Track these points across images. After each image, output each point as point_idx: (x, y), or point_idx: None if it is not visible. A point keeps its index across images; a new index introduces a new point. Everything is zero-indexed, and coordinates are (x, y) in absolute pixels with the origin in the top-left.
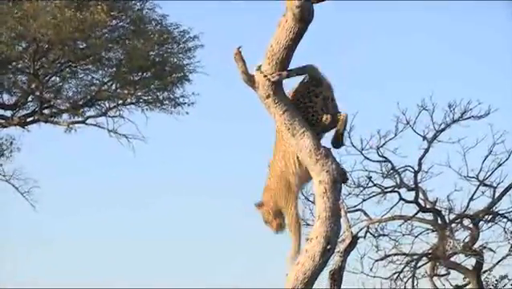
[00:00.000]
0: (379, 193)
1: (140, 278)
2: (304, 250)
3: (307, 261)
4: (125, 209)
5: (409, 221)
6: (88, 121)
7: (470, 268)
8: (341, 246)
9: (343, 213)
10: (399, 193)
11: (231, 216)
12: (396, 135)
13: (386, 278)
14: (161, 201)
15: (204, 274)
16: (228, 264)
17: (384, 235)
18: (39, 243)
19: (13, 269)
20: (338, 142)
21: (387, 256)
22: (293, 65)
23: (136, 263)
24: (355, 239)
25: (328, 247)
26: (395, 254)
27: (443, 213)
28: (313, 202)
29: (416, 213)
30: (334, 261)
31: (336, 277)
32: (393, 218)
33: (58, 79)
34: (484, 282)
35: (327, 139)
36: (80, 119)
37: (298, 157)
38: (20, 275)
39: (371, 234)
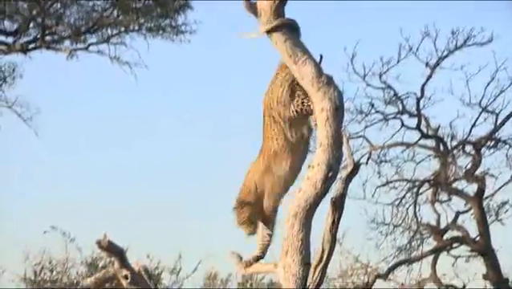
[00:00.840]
0: (382, 120)
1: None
2: (306, 177)
3: (309, 188)
4: (126, 138)
5: (411, 148)
6: (90, 48)
7: (472, 194)
8: (343, 173)
9: (345, 140)
10: (401, 120)
11: (232, 145)
12: (398, 62)
13: (388, 204)
14: (161, 129)
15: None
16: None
17: (386, 161)
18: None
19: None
20: None
21: (389, 182)
22: None
23: (135, 192)
24: (357, 166)
25: (330, 174)
26: (397, 180)
27: (445, 139)
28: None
29: (419, 140)
30: (335, 188)
31: (338, 204)
32: (395, 145)
33: (59, 5)
34: (485, 208)
35: None
36: (82, 46)
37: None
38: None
39: (373, 160)
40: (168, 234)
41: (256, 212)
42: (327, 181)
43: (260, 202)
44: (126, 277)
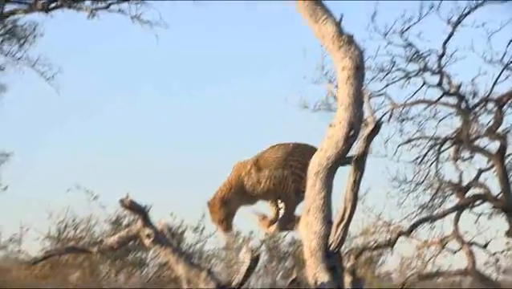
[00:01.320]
0: (403, 78)
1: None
2: (327, 136)
3: (331, 147)
4: (149, 97)
5: (433, 106)
6: (111, 7)
7: (494, 152)
8: (364, 132)
9: (366, 98)
10: (423, 78)
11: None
12: (420, 19)
13: (410, 162)
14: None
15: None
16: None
17: (407, 119)
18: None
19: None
20: None
21: (410, 140)
22: None
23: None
24: (378, 125)
25: (351, 133)
26: (418, 138)
27: (467, 97)
28: (336, 86)
29: (440, 98)
30: (357, 146)
31: (359, 163)
32: (417, 103)
33: None
34: (507, 165)
35: None
36: (103, 5)
37: None
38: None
39: (394, 118)
40: (191, 193)
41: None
42: (349, 140)
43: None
44: (149, 236)
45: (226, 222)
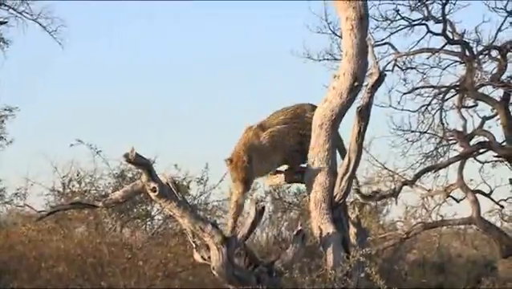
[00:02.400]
0: (407, 26)
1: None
2: (331, 87)
3: (335, 98)
4: (151, 48)
5: (437, 54)
6: None
7: (498, 99)
8: (368, 82)
9: (370, 48)
10: (426, 26)
11: None
12: None
13: (414, 111)
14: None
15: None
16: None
17: (411, 68)
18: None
19: None
20: None
21: (415, 89)
22: None
23: None
24: (382, 75)
25: (355, 84)
26: (423, 87)
27: (471, 44)
28: (340, 37)
29: (444, 46)
30: (361, 97)
31: (364, 114)
32: (421, 51)
33: None
34: None
35: None
36: None
37: None
38: None
39: (398, 67)
40: (195, 144)
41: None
42: (353, 91)
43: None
44: (154, 190)
45: (247, 184)
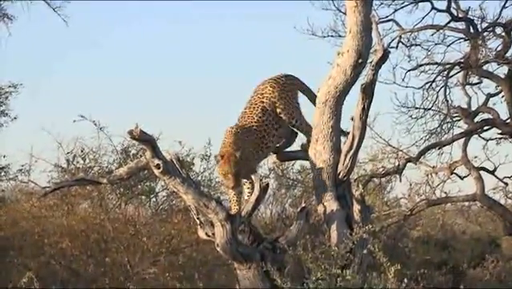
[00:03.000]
0: (412, 3)
1: None
2: (336, 64)
3: (339, 75)
4: (158, 26)
5: (441, 31)
6: None
7: (503, 76)
8: (373, 59)
9: (374, 25)
10: (431, 2)
11: None
12: None
13: (418, 88)
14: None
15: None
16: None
17: (416, 45)
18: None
19: None
20: None
21: (419, 66)
22: None
23: None
24: (386, 52)
25: (360, 61)
26: (427, 64)
27: (475, 21)
28: (344, 14)
29: (449, 23)
30: (365, 74)
31: (368, 91)
32: (425, 28)
33: None
34: None
35: None
36: None
37: None
38: None
39: (403, 44)
40: (198, 120)
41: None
42: (357, 68)
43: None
44: (158, 166)
45: (236, 179)
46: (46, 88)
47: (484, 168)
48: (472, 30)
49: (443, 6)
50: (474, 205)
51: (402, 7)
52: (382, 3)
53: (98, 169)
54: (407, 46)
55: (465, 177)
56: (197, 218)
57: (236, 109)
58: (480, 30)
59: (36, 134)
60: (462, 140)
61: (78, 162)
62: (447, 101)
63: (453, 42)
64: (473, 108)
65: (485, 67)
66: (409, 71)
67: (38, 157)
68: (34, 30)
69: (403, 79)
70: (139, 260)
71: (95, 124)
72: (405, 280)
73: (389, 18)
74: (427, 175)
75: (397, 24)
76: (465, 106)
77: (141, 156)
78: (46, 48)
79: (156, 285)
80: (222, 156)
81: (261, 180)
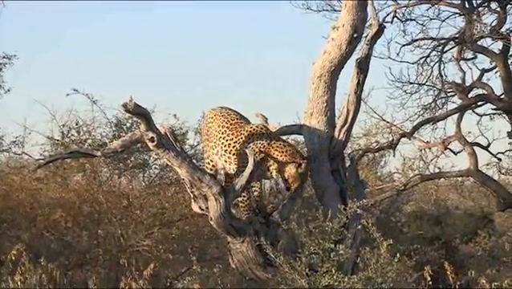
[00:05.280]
0: None
1: None
2: (331, 38)
3: (334, 49)
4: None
5: (436, 5)
6: None
7: (497, 52)
8: (368, 33)
9: (369, 0)
10: None
11: None
12: None
13: (413, 63)
14: None
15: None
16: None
17: (411, 20)
18: None
19: None
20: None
21: (414, 41)
22: None
23: None
24: (382, 27)
25: (355, 35)
26: (422, 39)
27: None
28: None
29: None
30: (360, 48)
31: (363, 65)
32: (420, 2)
33: None
34: (510, 66)
35: None
36: None
37: None
38: None
39: (398, 18)
40: (193, 94)
41: None
42: (352, 43)
43: None
44: (152, 140)
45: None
46: (41, 60)
47: (478, 144)
48: (467, 5)
49: None
50: (468, 180)
51: None
52: None
53: (91, 142)
54: (402, 21)
55: (458, 152)
56: (191, 192)
57: (230, 82)
58: (475, 5)
59: (30, 106)
60: (456, 115)
61: (72, 135)
62: (441, 76)
63: (448, 17)
64: (468, 84)
65: (479, 42)
66: (404, 45)
67: (31, 129)
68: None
69: (397, 54)
70: (132, 233)
71: (89, 98)
72: (397, 255)
73: None
74: (420, 150)
75: None
76: (459, 81)
77: (135, 129)
78: (43, 20)
79: (149, 257)
80: (307, 160)
81: (255, 154)
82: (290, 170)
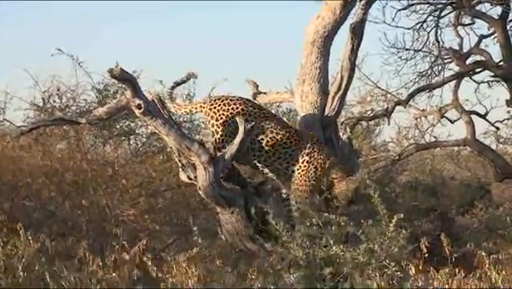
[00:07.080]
0: None
1: None
2: (324, 2)
3: (328, 14)
4: None
5: None
6: None
7: (496, 17)
8: None
9: None
10: None
11: None
12: None
13: (408, 29)
14: None
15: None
16: None
17: None
18: None
19: None
20: None
21: (410, 5)
22: None
23: None
24: None
25: None
26: (418, 3)
27: None
28: None
29: None
30: (355, 13)
31: (357, 30)
32: None
33: None
34: (509, 32)
35: None
36: None
37: None
38: None
39: None
40: (181, 58)
41: None
42: (346, 6)
43: None
44: (139, 107)
45: None
46: (23, 20)
47: (475, 112)
48: None
49: None
50: (464, 149)
51: None
52: None
53: (75, 109)
54: None
55: (455, 120)
56: (179, 161)
57: (221, 47)
58: None
59: (12, 70)
60: (453, 82)
61: (54, 101)
62: (438, 42)
63: None
64: (465, 50)
65: (477, 8)
66: (400, 10)
67: (13, 95)
68: None
69: (393, 19)
70: (117, 202)
71: (73, 59)
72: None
73: None
74: (416, 118)
75: None
76: (456, 47)
77: (121, 95)
78: None
79: (135, 227)
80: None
81: (245, 122)
82: (343, 186)
